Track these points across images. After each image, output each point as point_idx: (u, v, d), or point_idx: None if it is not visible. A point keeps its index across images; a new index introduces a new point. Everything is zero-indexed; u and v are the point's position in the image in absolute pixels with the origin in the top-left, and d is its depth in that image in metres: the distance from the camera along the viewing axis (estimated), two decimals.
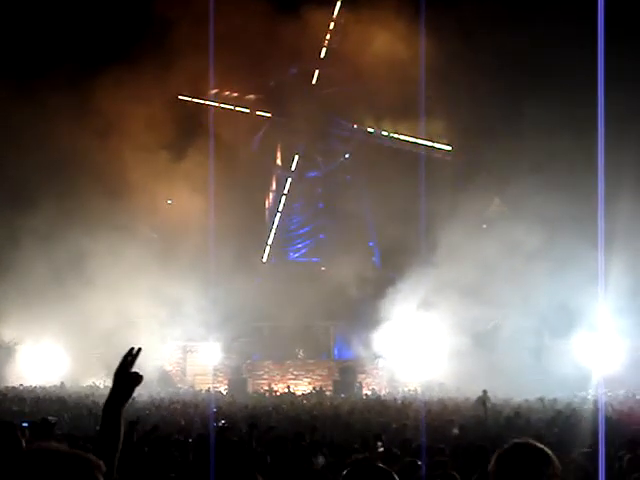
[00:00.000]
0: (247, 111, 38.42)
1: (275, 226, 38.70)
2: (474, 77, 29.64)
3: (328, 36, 37.99)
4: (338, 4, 37.92)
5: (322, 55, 38.14)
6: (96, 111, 32.60)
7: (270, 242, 38.58)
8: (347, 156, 38.59)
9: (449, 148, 36.45)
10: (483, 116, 30.33)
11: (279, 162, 39.33)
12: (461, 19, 29.58)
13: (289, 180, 38.68)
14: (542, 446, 2.70)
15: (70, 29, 32.80)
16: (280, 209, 38.67)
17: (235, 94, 38.34)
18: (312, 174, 38.80)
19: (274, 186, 39.54)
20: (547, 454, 2.65)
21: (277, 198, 39.02)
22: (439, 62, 29.46)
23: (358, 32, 34.92)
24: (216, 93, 37.92)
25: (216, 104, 37.82)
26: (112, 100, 32.35)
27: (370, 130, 37.83)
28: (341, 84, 36.45)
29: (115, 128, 33.60)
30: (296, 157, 38.49)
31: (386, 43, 32.76)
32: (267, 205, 39.75)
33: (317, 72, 38.19)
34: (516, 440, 2.73)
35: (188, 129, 34.30)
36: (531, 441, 2.71)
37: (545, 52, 29.99)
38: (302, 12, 35.08)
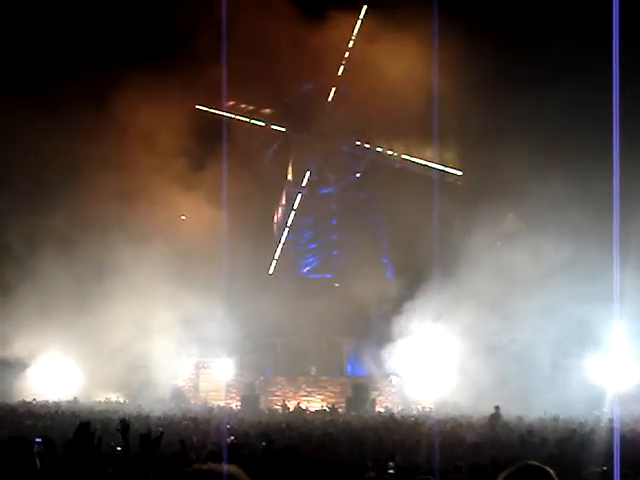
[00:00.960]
0: (262, 124, 38.63)
1: (283, 241, 38.77)
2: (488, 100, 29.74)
3: (346, 54, 38.24)
4: (358, 24, 38.18)
5: (340, 73, 38.36)
6: (113, 120, 32.71)
7: (277, 256, 38.62)
8: (358, 175, 38.63)
9: (460, 173, 36.43)
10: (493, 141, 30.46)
11: (290, 177, 39.46)
12: (474, 42, 29.65)
13: (299, 196, 38.78)
14: (549, 470, 2.68)
15: (91, 34, 32.97)
16: (289, 224, 38.75)
17: (251, 107, 38.60)
18: (326, 190, 38.89)
19: (284, 201, 39.66)
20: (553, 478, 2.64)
21: (286, 213, 39.12)
22: (453, 85, 29.57)
23: (376, 52, 34.97)
24: (233, 105, 38.18)
25: (232, 116, 38.07)
26: (129, 109, 32.49)
27: (381, 150, 37.92)
28: (356, 103, 36.55)
29: (132, 136, 33.63)
30: (307, 173, 38.61)
31: (403, 65, 32.71)
32: (276, 220, 39.84)
33: (334, 89, 38.38)
34: (526, 462, 2.71)
35: (205, 141, 34.36)
36: (538, 464, 2.69)
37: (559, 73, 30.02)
38: (322, 29, 35.23)
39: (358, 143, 38.06)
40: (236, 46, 30.83)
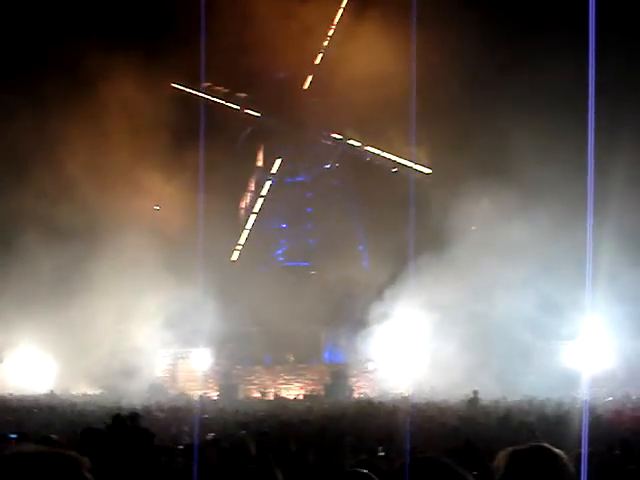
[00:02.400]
0: (237, 108, 38.36)
1: (249, 227, 38.58)
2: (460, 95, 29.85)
3: (325, 43, 37.98)
4: (339, 13, 37.86)
5: (317, 61, 38.11)
6: (91, 100, 32.16)
7: (242, 242, 38.43)
8: (328, 166, 38.54)
9: (429, 171, 36.39)
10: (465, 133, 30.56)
11: (260, 164, 39.36)
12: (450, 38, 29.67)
13: (268, 183, 38.66)
14: (560, 453, 2.66)
15: (71, 12, 32.42)
16: (256, 210, 38.60)
17: (226, 90, 38.32)
18: (300, 179, 38.83)
19: (252, 187, 39.53)
20: (565, 462, 2.62)
21: (254, 199, 38.99)
22: (428, 82, 29.56)
23: (355, 43, 34.75)
24: (209, 86, 37.84)
25: (207, 97, 37.74)
26: (108, 88, 31.99)
27: (353, 143, 37.78)
28: (332, 93, 36.41)
29: (110, 115, 33.05)
30: (278, 160, 38.51)
31: (381, 59, 32.43)
32: (243, 205, 39.63)
33: (310, 77, 38.19)
34: (539, 444, 2.69)
35: (179, 124, 33.82)
36: (549, 446, 2.68)
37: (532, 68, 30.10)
38: (302, 14, 34.79)
39: (331, 134, 37.97)
40: (215, 29, 30.58)
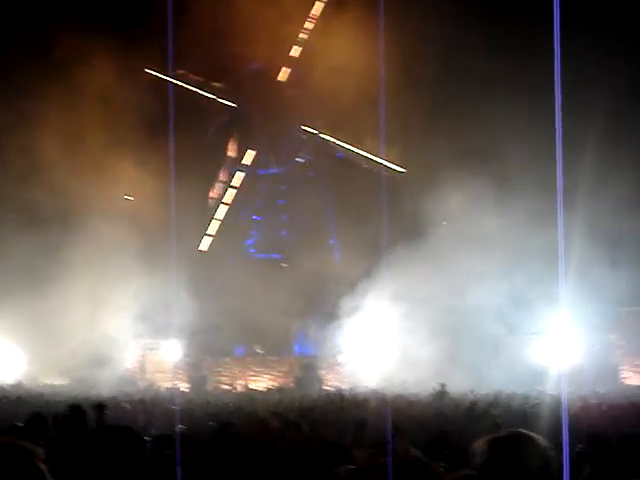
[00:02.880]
0: (211, 97, 38.10)
1: (219, 217, 38.39)
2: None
3: (302, 35, 37.76)
4: (318, 5, 37.54)
5: (293, 53, 37.89)
6: (63, 85, 31.70)
7: (211, 232, 38.23)
8: (301, 160, 38.45)
9: (402, 170, 36.43)
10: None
11: (231, 154, 39.18)
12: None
13: (239, 173, 38.49)
14: (541, 440, 2.66)
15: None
16: (226, 201, 38.43)
17: (201, 79, 38.03)
18: (274, 170, 38.75)
19: (221, 177, 39.33)
20: (545, 447, 2.62)
21: (224, 189, 38.82)
22: (405, 82, 29.56)
23: (332, 37, 34.51)
24: (182, 73, 37.50)
25: (181, 83, 37.41)
26: (81, 72, 31.59)
27: (326, 138, 37.70)
28: (306, 86, 36.28)
29: (83, 102, 32.59)
30: (250, 152, 38.36)
31: (358, 55, 32.14)
32: (212, 195, 39.40)
33: (285, 69, 38.00)
34: (518, 430, 2.69)
35: (153, 112, 33.44)
36: (531, 433, 2.68)
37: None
38: (280, 4, 34.43)
39: (304, 127, 37.86)
40: (191, 16, 30.39)
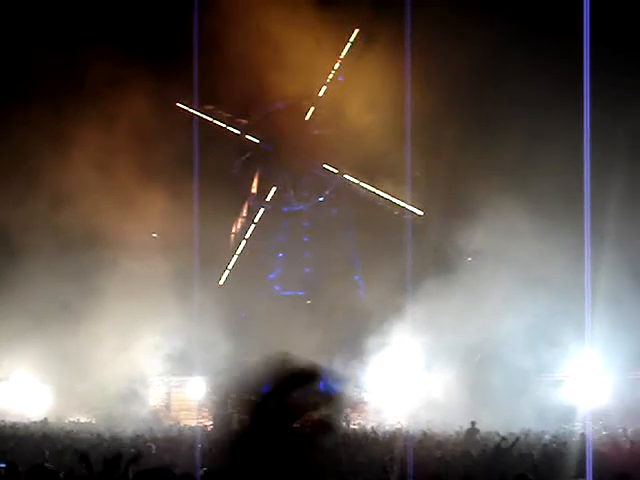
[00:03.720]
0: (238, 132, 38.49)
1: (239, 252, 38.48)
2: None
3: (330, 76, 38.01)
4: (347, 47, 37.85)
5: (321, 93, 38.16)
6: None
7: (230, 267, 38.28)
8: (321, 199, 38.59)
9: (420, 213, 36.39)
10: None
11: (254, 190, 39.45)
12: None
13: (262, 210, 38.70)
14: None
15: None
16: (247, 237, 38.58)
17: (229, 114, 38.48)
18: (298, 207, 38.90)
19: (244, 212, 39.56)
20: None
21: (246, 225, 39.01)
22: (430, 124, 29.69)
23: (359, 80, 34.60)
24: (211, 109, 38.01)
25: (210, 119, 37.86)
26: (109, 100, 31.82)
27: (348, 178, 37.81)
28: (332, 128, 36.48)
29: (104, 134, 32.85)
30: (273, 188, 38.60)
31: (384, 98, 32.02)
32: (234, 230, 39.58)
33: (312, 109, 38.29)
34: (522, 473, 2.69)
35: (180, 146, 33.56)
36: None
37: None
38: (309, 45, 34.45)
39: (326, 167, 38.02)
40: (222, 51, 30.78)
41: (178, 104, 37.67)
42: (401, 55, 28.67)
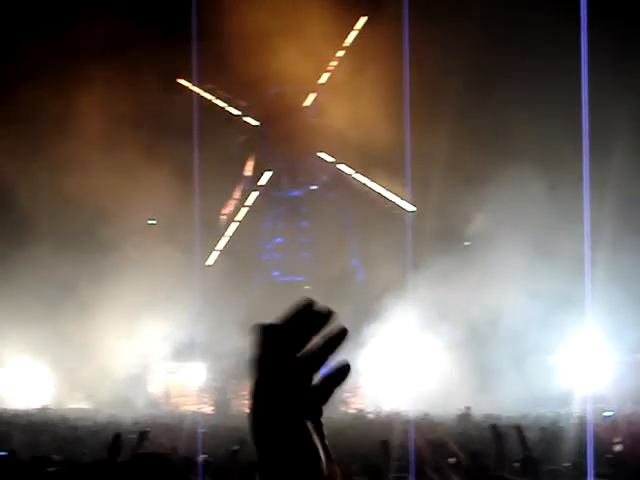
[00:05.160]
0: (238, 113, 38.31)
1: (229, 234, 38.41)
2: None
3: (333, 63, 37.72)
4: (352, 35, 37.50)
5: (323, 80, 37.87)
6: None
7: (219, 248, 38.20)
8: (314, 187, 38.50)
9: (412, 209, 36.29)
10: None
11: (248, 173, 39.38)
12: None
13: (255, 193, 38.65)
14: None
15: None
16: (239, 219, 38.52)
17: (229, 95, 38.28)
18: (295, 193, 38.86)
19: (237, 195, 39.49)
20: None
21: (238, 208, 38.93)
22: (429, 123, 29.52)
23: (363, 69, 34.19)
24: (212, 88, 37.78)
25: (211, 97, 37.66)
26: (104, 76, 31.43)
27: (343, 169, 37.66)
28: (330, 115, 36.26)
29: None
30: (267, 173, 38.52)
31: (387, 91, 31.81)
32: (226, 212, 39.45)
33: (313, 96, 38.04)
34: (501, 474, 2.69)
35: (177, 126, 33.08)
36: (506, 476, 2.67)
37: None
38: (315, 31, 34.26)
39: (321, 155, 37.88)
40: (223, 33, 30.59)
41: (179, 80, 37.44)
42: (402, 46, 28.46)
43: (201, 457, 9.75)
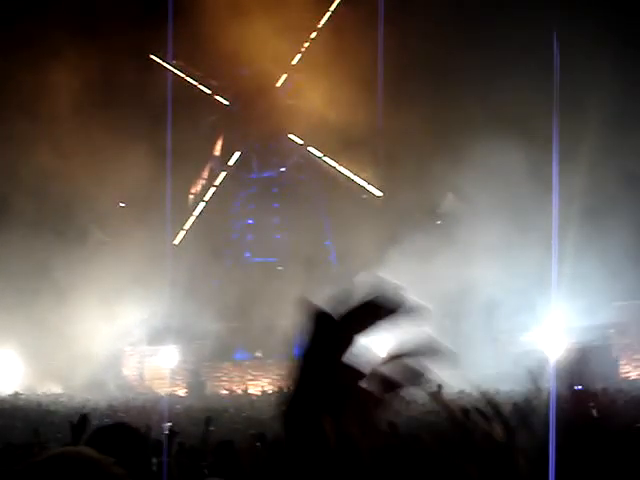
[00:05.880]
0: (208, 92, 38.03)
1: (197, 213, 38.28)
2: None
3: (306, 44, 37.49)
4: (326, 15, 37.30)
5: (294, 61, 37.65)
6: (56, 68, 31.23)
7: (187, 227, 38.06)
8: (283, 169, 38.42)
9: (379, 194, 36.36)
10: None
11: (217, 153, 39.21)
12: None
13: (223, 173, 38.52)
14: None
15: None
16: (206, 199, 38.38)
17: (200, 73, 37.97)
18: (267, 174, 38.77)
19: (205, 175, 39.32)
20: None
21: (206, 188, 38.79)
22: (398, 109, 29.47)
23: (335, 51, 34.01)
24: (183, 65, 37.46)
25: (181, 74, 37.34)
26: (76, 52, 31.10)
27: (312, 151, 37.58)
28: (301, 97, 36.12)
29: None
30: (236, 153, 38.38)
31: (358, 74, 31.45)
32: (194, 191, 39.26)
33: (284, 76, 37.85)
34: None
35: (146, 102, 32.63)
36: None
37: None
38: (288, 9, 33.73)
39: (291, 137, 37.75)
40: (196, 12, 30.30)
41: (151, 55, 37.10)
42: (375, 32, 28.40)
43: (166, 425, 9.67)
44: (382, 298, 1.03)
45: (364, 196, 36.28)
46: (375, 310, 1.01)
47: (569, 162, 22.69)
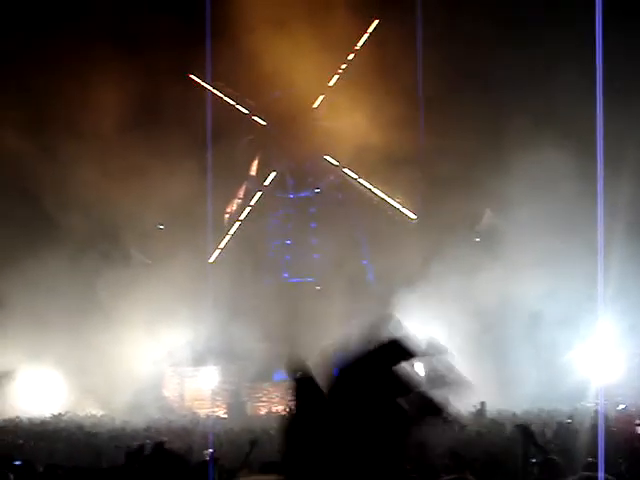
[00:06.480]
0: (246, 112, 38.27)
1: (232, 233, 38.37)
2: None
3: (344, 66, 37.58)
4: (364, 37, 37.35)
5: (332, 83, 37.72)
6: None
7: (222, 246, 38.11)
8: (317, 190, 38.46)
9: (413, 217, 36.27)
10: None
11: (253, 173, 39.41)
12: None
13: (258, 193, 38.66)
14: None
15: None
16: (241, 218, 38.49)
17: (238, 93, 38.25)
18: (304, 194, 38.83)
19: (241, 194, 39.46)
20: None
21: (242, 207, 38.94)
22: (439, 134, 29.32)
23: (373, 74, 33.86)
24: (222, 85, 37.76)
25: (220, 94, 37.63)
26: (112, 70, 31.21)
27: (348, 173, 37.59)
28: (339, 119, 36.13)
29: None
30: (272, 174, 38.53)
31: (396, 96, 31.24)
32: (229, 210, 39.36)
33: (321, 97, 37.95)
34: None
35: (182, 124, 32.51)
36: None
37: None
38: (326, 33, 33.89)
39: (327, 158, 37.77)
40: (235, 33, 30.55)
41: (191, 75, 37.44)
42: (414, 51, 28.32)
43: (209, 451, 9.71)
44: (400, 342, 1.05)
45: (396, 218, 36.20)
46: (394, 352, 1.03)
47: (616, 176, 22.35)
